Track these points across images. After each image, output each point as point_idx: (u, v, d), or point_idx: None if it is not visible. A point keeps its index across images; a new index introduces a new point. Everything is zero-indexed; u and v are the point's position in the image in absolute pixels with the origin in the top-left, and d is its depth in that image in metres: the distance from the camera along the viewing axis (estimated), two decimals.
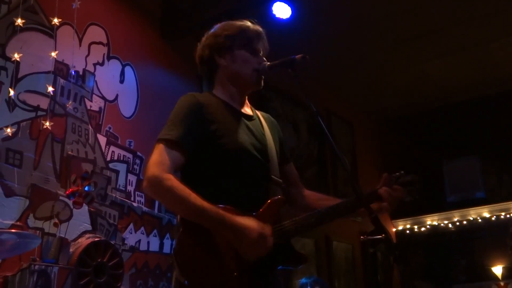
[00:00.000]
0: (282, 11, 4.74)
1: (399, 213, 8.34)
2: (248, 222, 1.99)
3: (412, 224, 8.47)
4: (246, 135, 2.25)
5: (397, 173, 2.29)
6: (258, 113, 2.46)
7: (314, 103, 2.11)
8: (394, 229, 8.54)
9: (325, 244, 6.87)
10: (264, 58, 2.36)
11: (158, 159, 2.04)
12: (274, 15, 4.74)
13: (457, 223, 8.13)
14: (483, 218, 7.94)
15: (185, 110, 2.16)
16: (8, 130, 3.56)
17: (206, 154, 2.16)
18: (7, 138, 3.57)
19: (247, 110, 2.40)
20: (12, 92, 3.62)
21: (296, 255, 2.17)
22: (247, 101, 2.43)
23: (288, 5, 4.73)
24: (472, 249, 7.93)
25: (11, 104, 3.64)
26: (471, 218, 8.03)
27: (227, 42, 2.35)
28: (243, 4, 4.83)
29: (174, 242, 2.06)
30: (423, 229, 8.41)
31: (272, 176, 2.25)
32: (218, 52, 2.36)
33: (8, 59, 3.67)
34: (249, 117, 2.35)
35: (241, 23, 2.39)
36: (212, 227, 2.00)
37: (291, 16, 4.80)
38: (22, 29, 3.77)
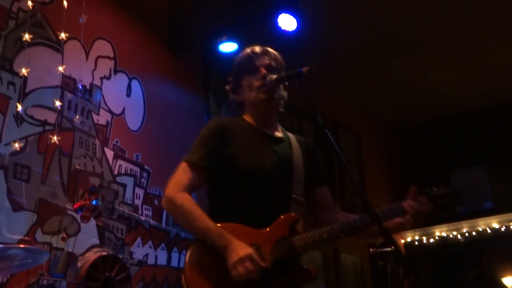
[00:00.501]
0: (287, 23, 4.73)
1: None
2: (237, 244, 2.04)
3: (421, 236, 8.42)
4: (267, 156, 2.32)
5: (433, 187, 2.27)
6: (291, 136, 2.53)
7: (321, 114, 2.11)
8: (402, 241, 8.49)
9: (333, 256, 6.83)
10: (263, 70, 2.38)
11: (176, 179, 2.24)
12: (280, 27, 4.74)
13: (466, 234, 8.07)
14: (492, 229, 7.87)
15: (207, 133, 2.32)
16: (16, 144, 3.56)
17: (227, 173, 2.27)
18: (15, 152, 3.58)
19: (276, 133, 2.47)
20: (20, 107, 3.63)
21: (303, 271, 2.15)
22: (277, 124, 2.51)
23: (294, 17, 4.73)
24: (482, 260, 7.86)
25: (19, 119, 3.65)
26: (480, 229, 7.97)
27: (233, 80, 2.49)
28: (249, 17, 4.85)
29: (183, 264, 2.13)
30: (432, 240, 8.35)
31: (293, 195, 2.28)
32: (234, 92, 2.51)
33: (16, 74, 3.69)
34: (276, 139, 2.43)
35: (240, 54, 2.51)
36: (213, 246, 2.08)
37: (296, 28, 4.79)
38: (29, 44, 3.79)
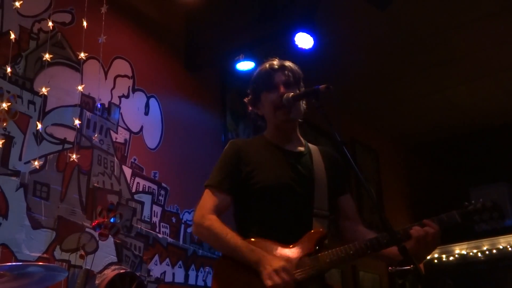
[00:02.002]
0: (304, 41, 4.75)
1: None
2: (270, 257, 2.08)
3: (440, 253, 8.31)
4: (285, 172, 2.34)
5: (472, 201, 2.17)
6: (313, 147, 2.53)
7: (338, 131, 2.11)
8: None
9: (351, 274, 6.77)
10: (282, 88, 2.39)
11: (201, 204, 2.31)
12: (297, 46, 4.75)
13: (487, 252, 7.95)
14: None
15: (224, 158, 2.40)
16: (36, 163, 3.60)
17: (247, 192, 2.32)
18: (35, 170, 3.62)
19: (297, 147, 2.47)
20: (39, 126, 3.68)
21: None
22: (299, 137, 2.52)
23: (310, 35, 4.74)
24: (503, 279, 7.73)
25: (38, 137, 3.70)
26: (501, 247, 7.85)
27: (253, 94, 2.51)
28: (266, 36, 4.87)
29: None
30: (451, 258, 8.25)
31: (316, 210, 2.28)
32: (253, 105, 2.53)
33: (36, 93, 3.74)
34: (296, 154, 2.43)
35: (259, 68, 2.52)
36: (244, 262, 2.12)
37: (313, 46, 4.81)
38: (49, 64, 3.84)
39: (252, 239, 2.20)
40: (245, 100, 2.57)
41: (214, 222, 2.23)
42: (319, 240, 2.18)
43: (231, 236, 2.17)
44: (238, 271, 2.14)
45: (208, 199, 2.31)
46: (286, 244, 2.17)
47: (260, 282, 2.06)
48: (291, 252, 2.14)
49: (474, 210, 2.13)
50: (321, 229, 2.21)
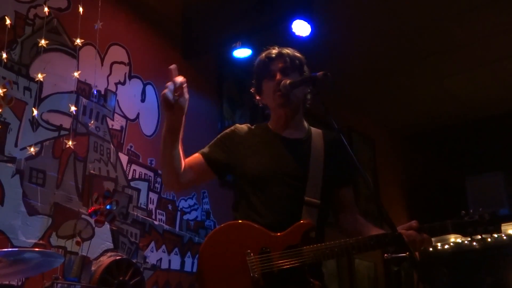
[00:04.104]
0: (301, 29, 4.73)
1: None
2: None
3: (436, 242, 8.34)
4: (275, 159, 2.35)
5: (470, 211, 2.13)
6: (317, 133, 2.51)
7: (335, 120, 2.11)
8: None
9: (347, 262, 6.80)
10: (278, 75, 2.38)
11: None
12: (294, 33, 4.73)
13: (481, 241, 7.96)
14: (508, 235, 7.78)
15: (221, 135, 2.50)
16: (32, 149, 3.60)
17: (237, 178, 2.39)
18: (31, 157, 3.61)
19: (297, 134, 2.46)
20: (35, 112, 3.67)
21: (306, 284, 2.14)
22: (301, 123, 2.51)
23: (308, 23, 4.72)
24: (498, 267, 7.77)
25: (34, 123, 3.69)
26: (496, 235, 7.86)
27: (256, 84, 2.52)
28: (263, 23, 4.85)
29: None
30: (446, 246, 8.28)
31: (306, 198, 2.26)
32: (258, 93, 2.54)
33: (32, 79, 3.73)
34: (292, 141, 2.42)
35: (258, 57, 2.53)
36: (167, 138, 2.44)
37: (310, 33, 4.78)
38: (45, 50, 3.82)
39: (244, 221, 2.25)
40: (252, 90, 2.57)
41: None
42: (306, 233, 2.18)
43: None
44: (228, 242, 2.20)
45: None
46: (273, 231, 2.18)
47: (243, 263, 2.12)
48: (276, 241, 2.15)
49: (469, 223, 2.11)
50: (309, 222, 2.20)
